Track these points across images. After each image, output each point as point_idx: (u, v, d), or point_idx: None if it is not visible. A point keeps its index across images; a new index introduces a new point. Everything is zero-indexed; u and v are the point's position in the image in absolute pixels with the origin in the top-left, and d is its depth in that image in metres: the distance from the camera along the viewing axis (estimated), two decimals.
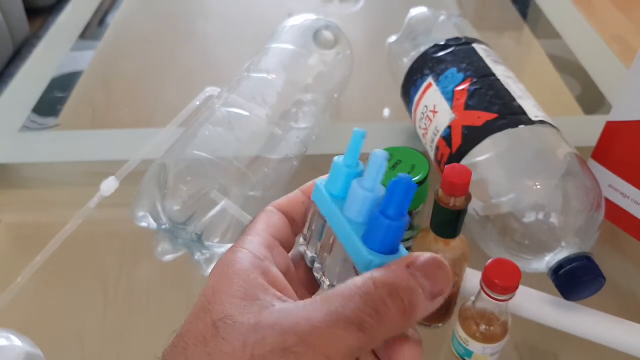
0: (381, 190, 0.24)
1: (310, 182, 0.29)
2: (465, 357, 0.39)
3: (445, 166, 0.33)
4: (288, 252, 0.28)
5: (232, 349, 0.21)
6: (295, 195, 0.29)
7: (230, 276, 0.23)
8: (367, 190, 0.24)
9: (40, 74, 0.72)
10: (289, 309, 0.22)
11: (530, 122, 0.43)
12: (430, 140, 0.49)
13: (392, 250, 0.24)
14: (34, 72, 0.73)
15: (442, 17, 0.56)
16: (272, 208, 0.28)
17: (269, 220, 0.27)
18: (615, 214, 0.47)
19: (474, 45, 0.51)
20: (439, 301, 0.23)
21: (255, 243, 0.25)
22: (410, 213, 0.40)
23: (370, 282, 0.21)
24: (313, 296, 0.24)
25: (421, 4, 0.58)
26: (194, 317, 0.23)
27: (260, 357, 0.20)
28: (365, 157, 0.25)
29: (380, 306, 0.21)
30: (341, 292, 0.21)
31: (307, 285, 0.29)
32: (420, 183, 0.38)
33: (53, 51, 0.77)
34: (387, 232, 0.23)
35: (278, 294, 0.23)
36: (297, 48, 0.54)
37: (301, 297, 0.24)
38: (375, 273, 0.22)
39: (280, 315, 0.21)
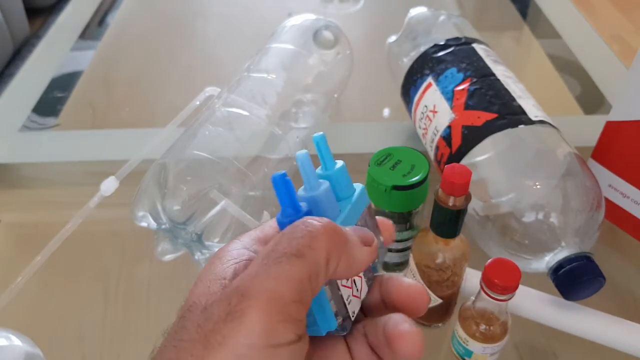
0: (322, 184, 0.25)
1: None
2: (465, 357, 0.39)
3: (445, 166, 0.33)
4: None
5: (189, 335, 0.20)
6: None
7: (211, 265, 0.23)
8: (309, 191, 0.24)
9: (40, 74, 0.72)
10: (237, 278, 0.21)
11: (530, 122, 0.43)
12: (430, 140, 0.49)
13: None
14: (34, 72, 0.73)
15: (442, 17, 0.56)
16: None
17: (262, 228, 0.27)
18: (615, 214, 0.47)
19: (474, 45, 0.51)
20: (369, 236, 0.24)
21: (248, 236, 0.25)
22: (410, 213, 0.40)
23: (309, 222, 0.22)
24: None
25: (421, 4, 0.58)
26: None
27: (210, 332, 0.20)
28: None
29: (307, 227, 0.21)
30: (268, 237, 0.23)
31: None
32: (420, 183, 0.38)
33: (53, 51, 0.77)
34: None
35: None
36: (297, 48, 0.54)
37: None
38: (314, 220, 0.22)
39: (225, 285, 0.21)
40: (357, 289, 0.25)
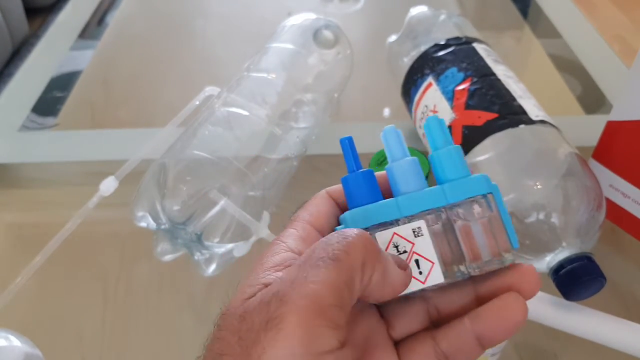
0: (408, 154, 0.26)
1: None
2: None
3: None
4: None
5: (231, 349, 0.20)
6: None
7: (252, 271, 0.23)
8: (403, 158, 0.25)
9: (39, 73, 0.72)
10: (275, 283, 0.21)
11: (530, 122, 0.43)
12: None
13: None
14: (33, 71, 0.73)
15: (442, 17, 0.56)
16: (324, 194, 0.27)
17: (317, 209, 0.26)
18: (616, 214, 0.47)
19: (475, 44, 0.51)
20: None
21: (294, 236, 0.25)
22: None
23: (340, 232, 0.22)
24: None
25: (421, 4, 0.58)
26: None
27: (252, 344, 0.19)
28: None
29: (343, 234, 0.21)
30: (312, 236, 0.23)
31: None
32: None
33: (52, 51, 0.77)
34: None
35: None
36: (297, 48, 0.54)
37: None
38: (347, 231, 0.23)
39: (263, 292, 0.21)
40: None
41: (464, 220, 0.24)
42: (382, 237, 0.24)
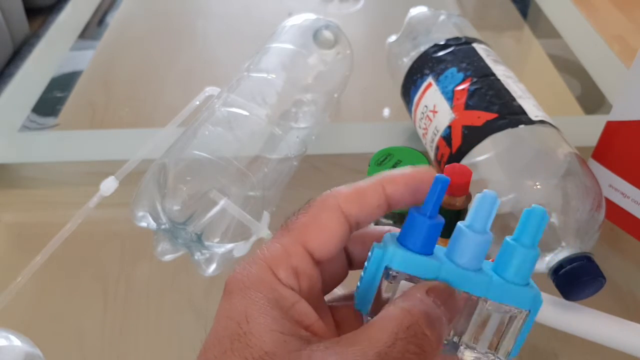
0: (491, 234, 0.23)
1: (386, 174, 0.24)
2: None
3: (446, 166, 0.33)
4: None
5: None
6: (371, 185, 0.23)
7: (262, 304, 0.20)
8: (480, 233, 0.22)
9: (40, 73, 0.72)
10: (331, 352, 0.19)
11: (530, 122, 0.43)
12: (430, 140, 0.49)
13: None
14: (33, 71, 0.73)
15: (442, 17, 0.56)
16: (337, 207, 0.22)
17: (324, 232, 0.22)
18: (615, 214, 0.47)
19: (474, 45, 0.51)
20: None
21: (284, 266, 0.21)
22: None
23: (407, 314, 0.20)
24: (353, 333, 0.20)
25: (421, 4, 0.58)
26: (224, 347, 0.20)
27: None
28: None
29: (422, 340, 0.20)
30: (383, 328, 0.20)
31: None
32: None
33: (53, 51, 0.77)
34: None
35: (307, 334, 0.21)
36: (297, 48, 0.54)
37: (322, 316, 0.22)
38: (406, 303, 0.21)
39: None
40: None
41: (488, 309, 0.23)
42: (403, 287, 0.23)
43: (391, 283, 0.22)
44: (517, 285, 0.22)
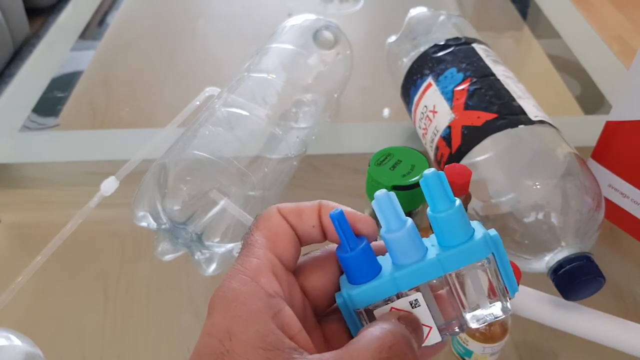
0: (408, 221, 0.23)
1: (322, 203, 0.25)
2: (465, 357, 0.39)
3: (445, 166, 0.33)
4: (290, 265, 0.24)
5: None
6: (310, 205, 0.24)
7: (245, 318, 0.20)
8: (399, 229, 0.23)
9: (40, 74, 0.72)
10: None
11: (530, 122, 0.43)
12: (430, 140, 0.49)
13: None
14: (34, 72, 0.73)
15: (442, 17, 0.56)
16: (277, 213, 0.24)
17: (274, 233, 0.23)
18: (615, 214, 0.47)
19: (474, 45, 0.51)
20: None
21: (264, 273, 0.22)
22: (410, 213, 0.40)
23: (389, 333, 0.21)
24: (336, 352, 0.21)
25: (421, 4, 0.58)
26: None
27: None
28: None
29: (405, 359, 0.21)
30: (366, 347, 0.20)
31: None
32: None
33: (53, 51, 0.77)
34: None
35: (291, 343, 0.21)
36: (297, 48, 0.54)
37: (308, 329, 0.22)
38: (386, 324, 0.21)
39: None
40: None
41: (460, 277, 0.24)
42: (380, 312, 0.24)
43: (368, 313, 0.24)
44: (463, 245, 0.23)
